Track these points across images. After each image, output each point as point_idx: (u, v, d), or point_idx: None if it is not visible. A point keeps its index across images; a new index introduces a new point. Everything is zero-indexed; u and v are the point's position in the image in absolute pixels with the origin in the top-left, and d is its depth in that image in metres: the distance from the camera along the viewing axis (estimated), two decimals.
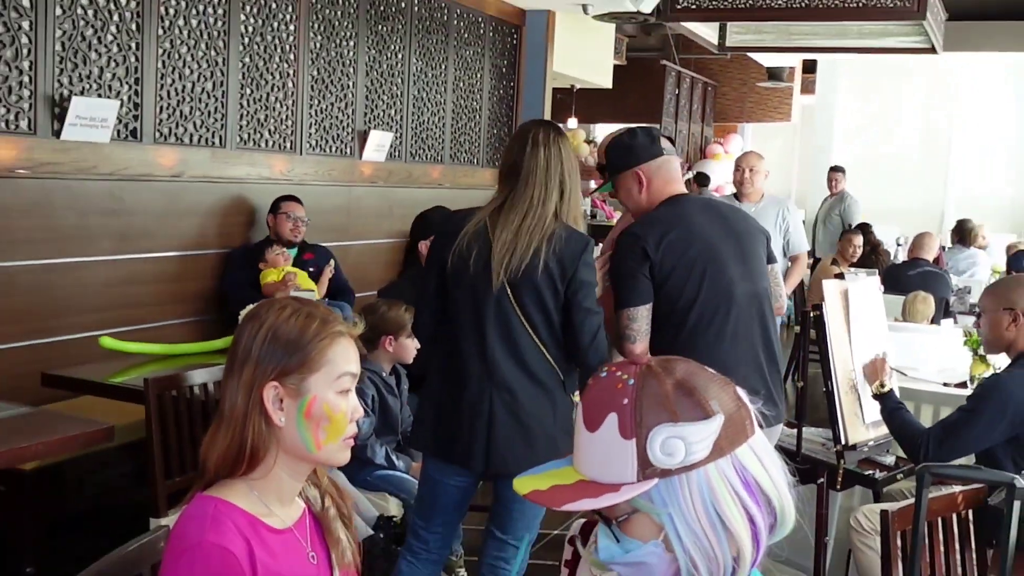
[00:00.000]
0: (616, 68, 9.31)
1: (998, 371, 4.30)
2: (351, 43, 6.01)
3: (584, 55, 8.46)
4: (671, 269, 2.81)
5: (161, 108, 4.70)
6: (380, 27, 6.24)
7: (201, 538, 1.45)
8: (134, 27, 4.50)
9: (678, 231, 2.84)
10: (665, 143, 3.00)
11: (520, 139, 2.84)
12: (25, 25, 4.01)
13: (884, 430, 3.32)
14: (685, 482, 1.12)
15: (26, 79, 4.06)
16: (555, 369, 2.78)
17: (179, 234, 4.92)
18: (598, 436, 1.15)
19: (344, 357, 1.57)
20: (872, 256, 8.36)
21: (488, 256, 2.72)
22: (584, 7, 7.26)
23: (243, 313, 3.32)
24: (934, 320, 5.78)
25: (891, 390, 3.20)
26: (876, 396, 3.19)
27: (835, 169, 10.85)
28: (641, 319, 2.81)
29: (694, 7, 7.41)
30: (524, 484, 1.21)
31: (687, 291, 2.82)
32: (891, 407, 3.13)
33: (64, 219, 4.31)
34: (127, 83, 4.52)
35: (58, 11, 4.13)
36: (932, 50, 8.22)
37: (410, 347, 3.53)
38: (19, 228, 4.11)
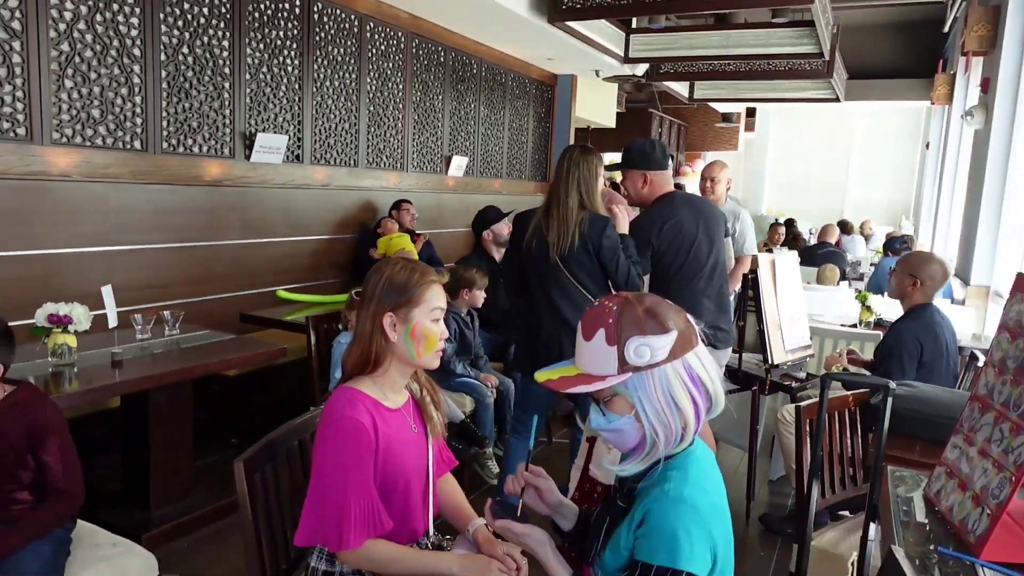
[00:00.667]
0: (618, 114, 9.17)
1: (880, 316, 4.21)
2: (440, 97, 5.98)
3: (596, 105, 8.35)
4: (665, 249, 2.90)
5: (315, 140, 4.72)
6: (459, 86, 6.20)
7: (342, 413, 1.48)
8: (297, 87, 4.52)
9: (671, 223, 2.89)
10: (668, 159, 3.03)
11: (560, 158, 2.86)
12: (226, 85, 4.04)
13: (799, 354, 3.27)
14: (650, 376, 1.17)
15: (227, 121, 4.10)
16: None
17: (327, 224, 4.96)
18: (591, 344, 1.20)
19: (436, 297, 1.58)
20: (793, 241, 8.22)
21: (544, 241, 2.75)
22: (597, 72, 7.18)
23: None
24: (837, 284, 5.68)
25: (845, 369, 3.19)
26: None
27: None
28: (643, 283, 2.87)
29: (672, 72, 7.32)
30: (541, 375, 1.26)
31: (675, 263, 2.91)
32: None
33: (253, 214, 4.36)
34: (293, 124, 4.54)
35: (247, 76, 4.16)
36: (836, 99, 8.03)
37: (479, 296, 3.52)
38: (223, 220, 4.17)
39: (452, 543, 1.71)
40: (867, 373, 3.06)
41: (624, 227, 2.83)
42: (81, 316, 2.53)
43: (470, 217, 4.54)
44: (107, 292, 2.78)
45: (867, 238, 9.89)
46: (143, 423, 2.84)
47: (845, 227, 9.37)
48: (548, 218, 2.76)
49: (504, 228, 4.22)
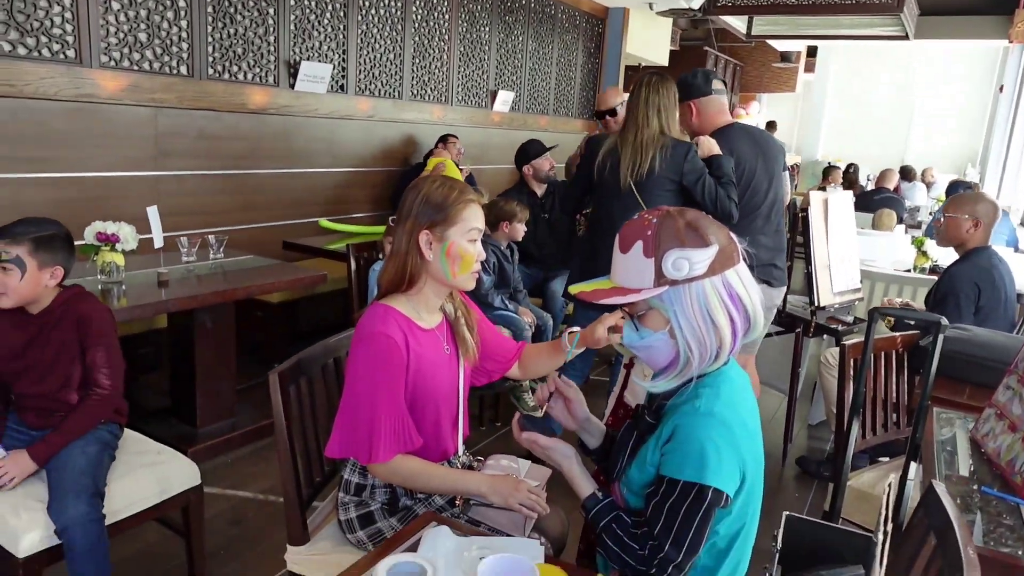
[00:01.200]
0: (672, 52, 8.84)
1: (936, 263, 4.05)
2: (487, 28, 5.83)
3: (648, 41, 8.05)
4: None
5: (359, 71, 4.67)
6: (507, 18, 6.03)
7: (373, 329, 1.47)
8: (342, 14, 4.45)
9: (731, 160, 2.72)
10: (717, 84, 2.84)
11: (635, 84, 2.77)
12: (271, 11, 4.00)
13: (848, 297, 3.17)
14: (687, 290, 1.12)
15: (272, 48, 4.07)
16: None
17: (371, 155, 4.94)
18: (628, 256, 1.15)
19: (474, 216, 1.54)
20: (848, 188, 7.91)
21: (617, 168, 2.69)
22: (650, 4, 6.90)
23: None
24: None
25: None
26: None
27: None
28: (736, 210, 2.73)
29: (730, 4, 6.96)
30: (575, 288, 1.22)
31: None
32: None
33: (297, 143, 4.36)
34: (337, 53, 4.49)
35: (291, 2, 4.10)
36: (906, 37, 7.56)
37: (519, 229, 3.48)
38: (268, 148, 4.18)
39: (483, 464, 1.72)
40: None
41: (710, 150, 2.72)
42: (128, 235, 2.58)
43: (514, 153, 4.48)
44: (153, 213, 2.83)
45: (928, 186, 9.47)
46: (189, 342, 2.91)
47: (907, 173, 8.94)
48: (624, 144, 2.69)
49: (545, 163, 4.15)
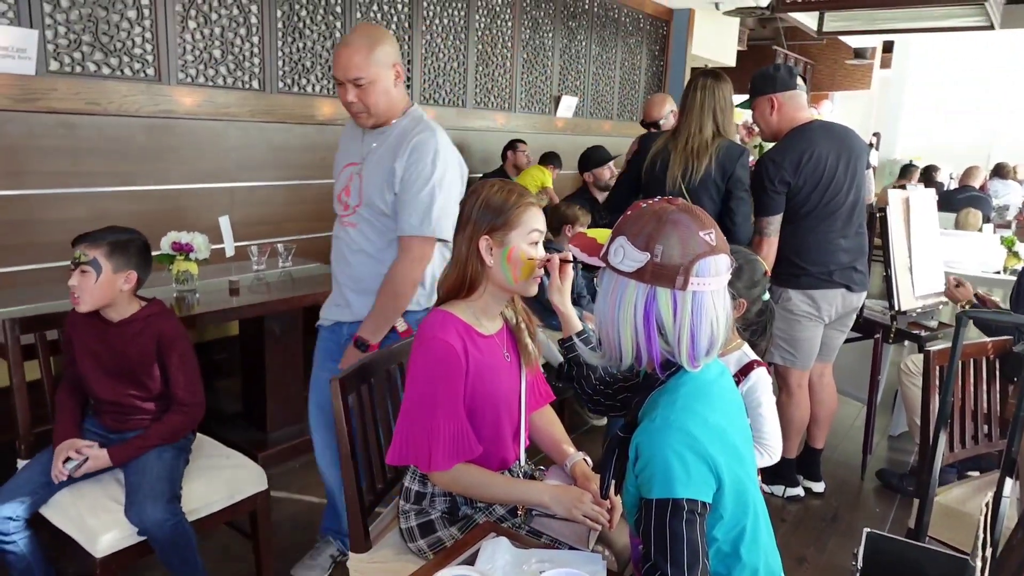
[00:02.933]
0: (739, 52, 8.64)
1: None
2: (550, 34, 5.81)
3: (715, 42, 7.88)
4: (801, 187, 2.61)
5: (424, 80, 4.71)
6: (570, 23, 6.00)
7: (433, 335, 1.46)
8: (407, 24, 4.51)
9: (809, 156, 2.59)
10: (799, 80, 2.72)
11: (688, 86, 2.72)
12: (338, 24, 4.07)
13: (931, 301, 2.99)
14: (614, 278, 1.12)
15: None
16: None
17: None
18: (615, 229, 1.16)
19: (534, 219, 1.51)
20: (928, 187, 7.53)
21: (665, 166, 2.67)
22: (716, 4, 6.76)
23: None
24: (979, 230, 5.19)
25: (968, 304, 2.84)
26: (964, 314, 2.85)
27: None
28: (775, 223, 2.63)
29: (800, 1, 6.75)
30: (588, 231, 1.28)
31: (812, 200, 2.63)
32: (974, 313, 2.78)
33: None
34: (402, 62, 4.53)
35: (357, 15, 4.17)
36: (991, 27, 7.14)
37: None
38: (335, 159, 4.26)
39: (545, 473, 1.68)
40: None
41: None
42: (201, 244, 2.66)
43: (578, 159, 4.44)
44: (224, 222, 2.91)
45: (1022, 183, 8.93)
46: (259, 349, 2.98)
47: (1001, 171, 8.38)
48: (676, 148, 2.66)
49: (605, 172, 4.12)
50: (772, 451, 1.77)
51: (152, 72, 3.34)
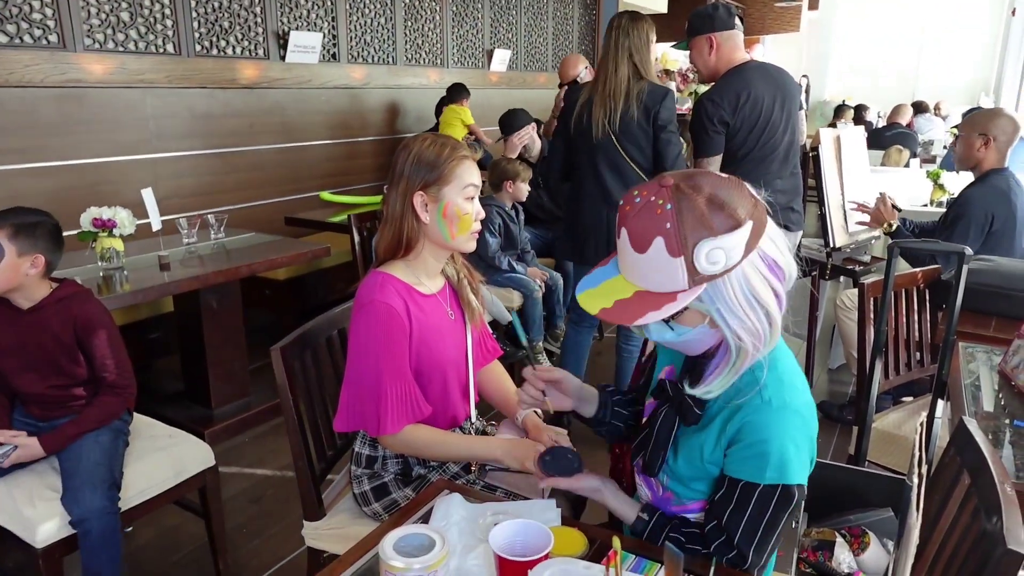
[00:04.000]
0: None
1: (954, 195, 3.94)
2: None
3: None
4: (739, 127, 2.59)
5: (351, 38, 4.56)
6: None
7: (371, 297, 1.43)
8: None
9: (748, 100, 2.57)
10: (737, 21, 2.69)
11: (607, 28, 2.66)
12: None
13: (863, 237, 3.08)
14: (728, 281, 0.97)
15: (259, 20, 3.97)
16: None
17: (368, 125, 4.86)
18: (648, 256, 0.96)
19: (468, 173, 1.47)
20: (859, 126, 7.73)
21: (591, 118, 2.61)
22: None
23: None
24: (906, 166, 5.35)
25: (898, 227, 2.90)
26: (887, 234, 2.92)
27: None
28: (715, 164, 2.62)
29: None
30: (591, 303, 1.02)
31: (749, 142, 2.62)
32: (899, 239, 2.85)
33: (291, 117, 4.29)
34: (326, 21, 4.38)
35: None
36: None
37: (523, 189, 3.40)
38: (262, 124, 4.11)
39: (497, 428, 1.68)
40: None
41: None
42: (124, 220, 2.54)
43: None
44: (148, 195, 2.78)
45: (944, 120, 9.26)
46: (196, 325, 2.88)
47: (920, 107, 8.69)
48: (595, 93, 2.60)
49: (516, 143, 3.82)
50: None
51: (55, 39, 3.14)
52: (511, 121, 3.85)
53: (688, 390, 1.08)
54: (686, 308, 0.98)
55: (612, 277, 1.02)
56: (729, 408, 1.07)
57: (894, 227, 2.89)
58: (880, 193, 2.95)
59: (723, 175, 1.01)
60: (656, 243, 0.94)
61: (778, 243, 1.01)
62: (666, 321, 1.02)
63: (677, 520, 1.14)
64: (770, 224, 1.01)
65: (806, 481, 1.06)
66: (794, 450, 1.03)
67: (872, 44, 12.44)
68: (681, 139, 2.67)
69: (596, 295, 1.02)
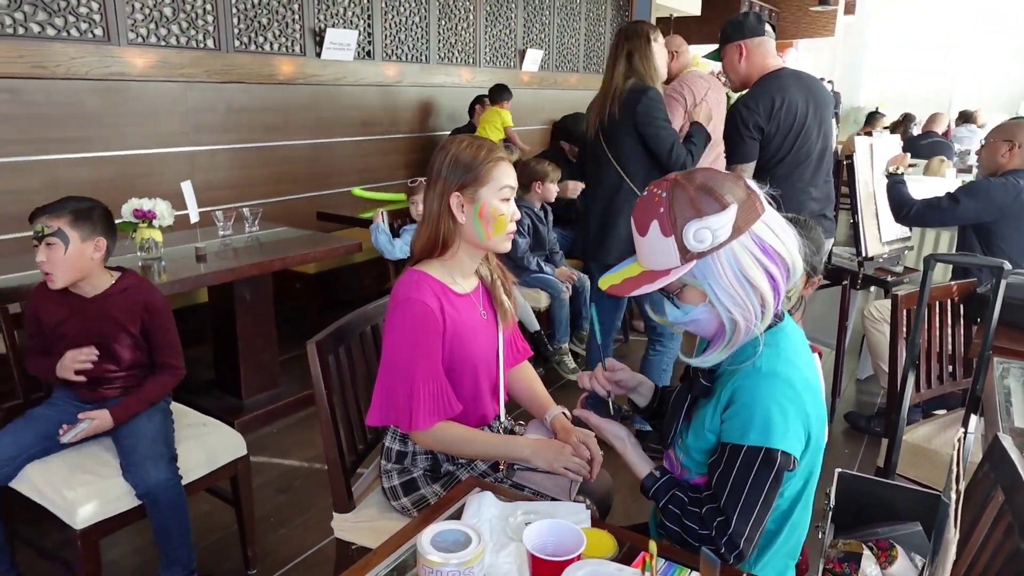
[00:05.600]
0: (703, 1, 8.57)
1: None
2: None
3: None
4: (774, 133, 2.58)
5: (386, 36, 4.60)
6: None
7: (407, 295, 1.45)
8: None
9: (783, 106, 2.55)
10: (767, 27, 2.68)
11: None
12: None
13: (897, 247, 3.05)
14: (716, 259, 1.07)
15: (296, 17, 4.02)
16: (633, 189, 2.64)
17: (400, 122, 4.90)
18: (648, 238, 1.09)
19: (504, 175, 1.49)
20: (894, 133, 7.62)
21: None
22: None
23: None
24: None
25: (902, 173, 2.91)
26: (889, 175, 2.94)
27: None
28: (748, 170, 2.60)
29: None
30: (605, 281, 1.16)
31: (784, 148, 2.60)
32: (896, 181, 2.87)
33: (326, 113, 4.34)
34: (362, 19, 4.43)
35: None
36: None
37: (552, 189, 3.42)
38: (298, 119, 4.16)
39: (525, 427, 1.70)
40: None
41: (706, 119, 2.67)
42: (164, 211, 2.59)
43: (546, 114, 4.40)
44: (187, 187, 2.83)
45: (980, 127, 9.10)
46: (230, 316, 2.94)
47: (968, 117, 8.49)
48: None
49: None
50: None
51: (100, 32, 3.21)
52: (574, 127, 3.89)
53: (687, 360, 1.19)
54: (684, 285, 1.11)
55: (630, 264, 1.16)
56: (727, 376, 1.14)
57: (899, 172, 2.90)
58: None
59: (724, 171, 1.10)
60: (653, 226, 1.08)
61: (776, 230, 1.09)
62: (674, 304, 1.14)
63: (686, 484, 1.20)
64: (772, 215, 1.10)
65: (797, 453, 1.09)
66: (779, 414, 1.07)
67: (908, 49, 12.24)
68: (675, 130, 2.67)
69: (610, 278, 1.15)
